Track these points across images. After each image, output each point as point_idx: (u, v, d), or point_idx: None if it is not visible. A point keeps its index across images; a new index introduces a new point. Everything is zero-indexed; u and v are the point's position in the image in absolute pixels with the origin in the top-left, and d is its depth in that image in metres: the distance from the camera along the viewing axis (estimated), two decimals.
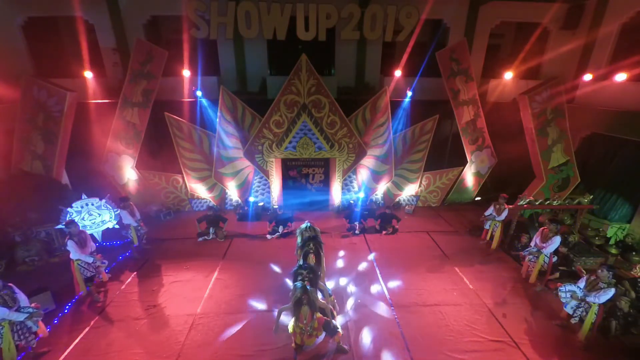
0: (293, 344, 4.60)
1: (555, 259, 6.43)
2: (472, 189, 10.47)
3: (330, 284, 6.26)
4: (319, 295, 4.88)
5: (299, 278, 4.58)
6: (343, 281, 6.54)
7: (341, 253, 7.62)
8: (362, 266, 7.11)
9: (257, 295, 6.08)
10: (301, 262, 5.07)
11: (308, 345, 4.55)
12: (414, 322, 5.45)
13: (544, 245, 6.26)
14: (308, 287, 4.32)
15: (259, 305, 5.83)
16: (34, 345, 4.61)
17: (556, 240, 6.15)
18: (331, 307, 5.03)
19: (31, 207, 7.57)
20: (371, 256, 7.50)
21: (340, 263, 7.22)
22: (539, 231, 6.59)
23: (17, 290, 4.54)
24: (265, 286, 6.32)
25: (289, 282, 6.20)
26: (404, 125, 9.68)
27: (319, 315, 4.51)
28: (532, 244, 6.63)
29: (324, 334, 4.57)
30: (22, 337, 4.47)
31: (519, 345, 5.03)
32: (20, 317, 4.40)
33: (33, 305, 4.66)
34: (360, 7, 8.82)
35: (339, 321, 5.09)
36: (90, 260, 5.77)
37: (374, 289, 6.32)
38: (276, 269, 6.93)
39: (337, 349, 4.81)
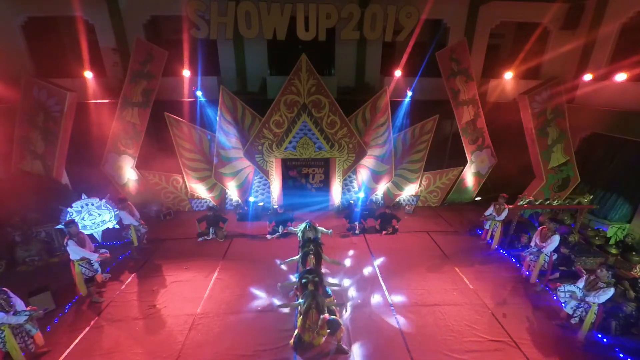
0: (292, 341, 4.60)
1: (555, 257, 6.43)
2: (472, 189, 10.47)
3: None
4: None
5: (304, 281, 4.61)
6: (343, 281, 6.52)
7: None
8: (362, 266, 7.10)
9: (257, 295, 6.08)
10: (305, 268, 5.13)
11: (316, 344, 4.56)
12: (414, 322, 5.44)
13: (544, 244, 6.27)
14: (315, 293, 4.46)
15: (259, 305, 5.82)
16: (32, 350, 4.61)
17: (555, 239, 6.16)
18: (333, 307, 5.06)
19: (31, 207, 7.57)
20: (371, 257, 7.49)
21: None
22: (537, 231, 6.61)
23: (12, 294, 4.53)
24: (265, 286, 6.31)
25: (292, 277, 6.27)
26: (404, 125, 9.68)
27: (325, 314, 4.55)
28: (532, 243, 6.64)
29: (328, 331, 4.60)
30: (21, 340, 4.47)
31: (519, 345, 5.03)
32: (20, 319, 4.39)
33: (29, 308, 4.65)
34: (360, 7, 8.81)
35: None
36: (93, 257, 5.73)
37: (374, 289, 6.31)
38: (277, 268, 6.92)
39: (337, 349, 4.81)
